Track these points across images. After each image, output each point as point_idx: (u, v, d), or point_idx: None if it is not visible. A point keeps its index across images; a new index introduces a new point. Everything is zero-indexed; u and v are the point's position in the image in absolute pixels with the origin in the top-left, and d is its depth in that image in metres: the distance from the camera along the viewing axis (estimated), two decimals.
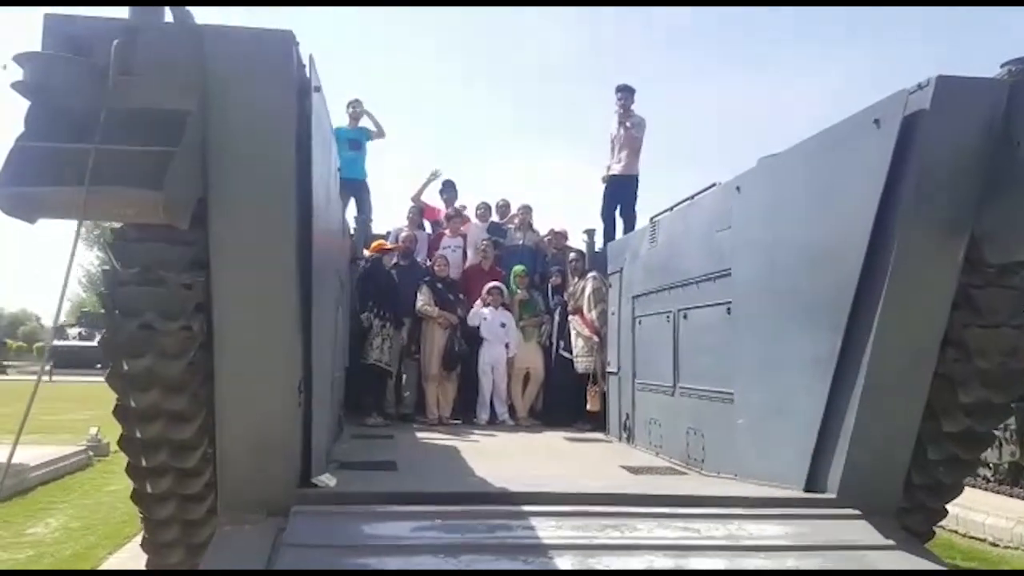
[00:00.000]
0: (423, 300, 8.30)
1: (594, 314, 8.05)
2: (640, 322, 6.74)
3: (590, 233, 8.81)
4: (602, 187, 9.30)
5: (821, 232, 4.00)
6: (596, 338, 7.96)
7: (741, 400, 4.76)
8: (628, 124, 8.97)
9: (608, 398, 7.73)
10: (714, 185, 5.45)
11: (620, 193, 9.10)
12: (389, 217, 9.88)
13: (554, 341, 8.65)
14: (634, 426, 6.83)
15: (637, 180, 9.23)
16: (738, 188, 4.87)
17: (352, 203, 9.80)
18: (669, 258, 6.09)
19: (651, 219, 6.64)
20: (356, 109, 9.93)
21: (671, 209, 6.27)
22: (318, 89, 3.46)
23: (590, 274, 8.28)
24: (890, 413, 3.75)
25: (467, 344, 8.37)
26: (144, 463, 3.40)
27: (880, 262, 3.57)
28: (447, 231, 9.32)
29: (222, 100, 3.01)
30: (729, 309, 4.98)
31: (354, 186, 9.78)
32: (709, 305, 5.30)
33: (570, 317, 8.41)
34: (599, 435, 7.69)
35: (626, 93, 9.04)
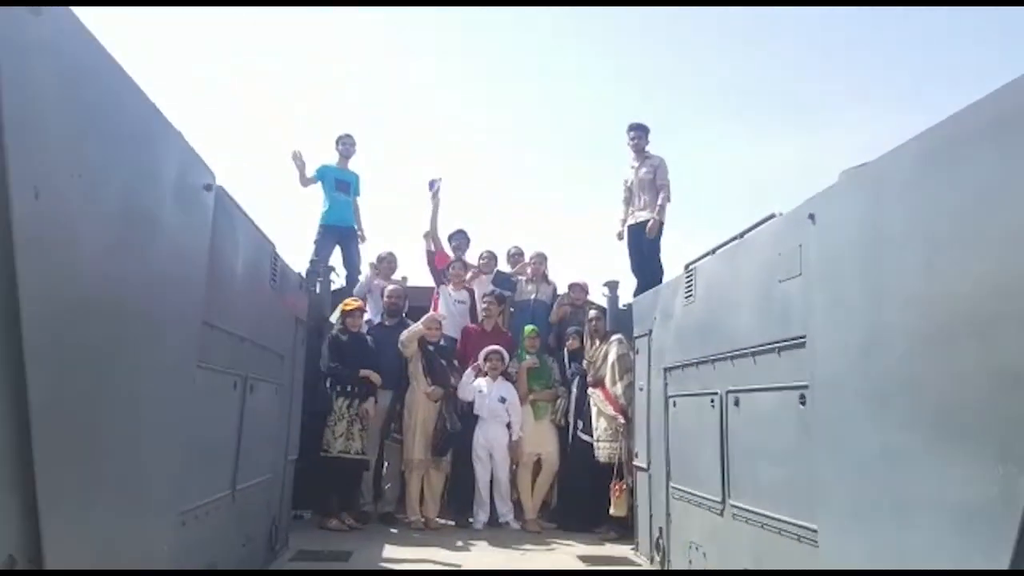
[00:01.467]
0: (407, 335, 6.77)
1: (619, 388, 6.36)
2: (674, 403, 5.02)
3: (612, 286, 7.14)
4: (617, 243, 7.91)
5: (971, 279, 2.32)
6: (622, 419, 6.25)
7: (831, 546, 3.01)
8: (644, 167, 7.56)
9: (636, 497, 5.97)
10: (773, 216, 3.81)
11: (644, 242, 7.54)
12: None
13: (571, 420, 6.96)
14: (669, 548, 5.05)
15: (661, 226, 7.66)
16: (812, 216, 3.23)
17: (337, 251, 8.39)
18: (712, 318, 4.43)
19: (686, 267, 5.00)
20: (347, 146, 8.58)
21: (713, 252, 4.63)
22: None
23: (614, 337, 6.62)
24: None
25: (462, 422, 6.74)
26: None
27: None
28: (450, 284, 7.78)
29: None
30: (804, 397, 3.29)
31: (339, 232, 8.40)
32: (772, 388, 3.61)
33: (590, 391, 6.73)
34: (626, 550, 5.91)
35: (639, 132, 7.74)
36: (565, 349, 7.38)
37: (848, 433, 2.92)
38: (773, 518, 3.53)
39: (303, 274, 5.70)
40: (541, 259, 8.03)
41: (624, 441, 6.24)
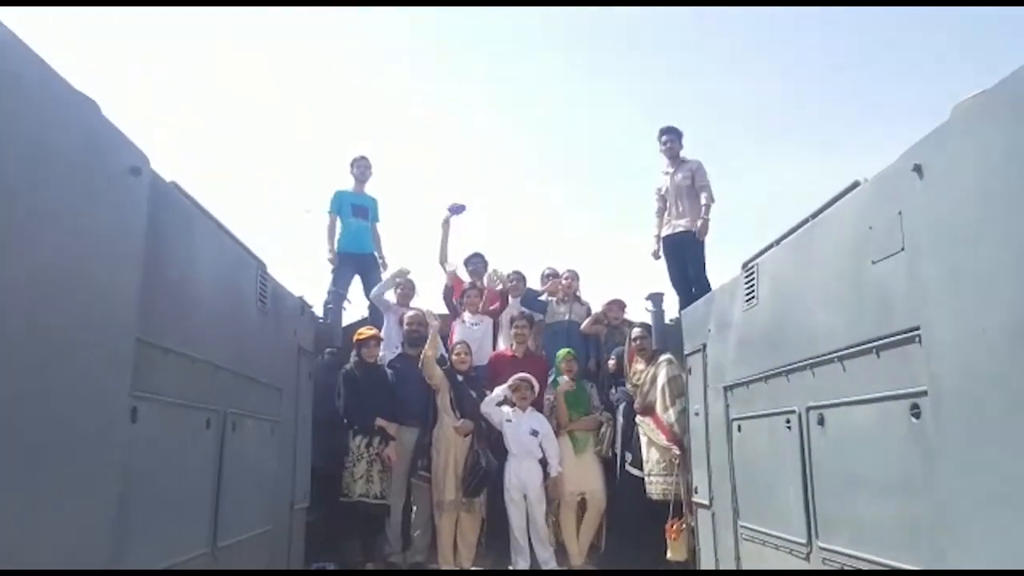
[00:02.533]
0: (430, 351, 6.11)
1: (672, 414, 5.60)
2: (739, 428, 4.25)
3: (656, 299, 6.39)
4: (652, 259, 7.18)
5: None
6: (676, 449, 5.48)
7: None
8: (681, 172, 6.91)
9: (698, 538, 5.16)
10: (857, 185, 3.09)
11: (685, 253, 6.85)
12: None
13: (618, 451, 6.19)
14: None
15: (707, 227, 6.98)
16: (918, 169, 2.50)
17: (357, 281, 7.82)
18: (781, 322, 3.69)
19: (744, 265, 4.28)
20: (362, 169, 8.05)
21: (777, 243, 3.90)
22: None
23: (663, 357, 5.88)
24: None
25: (497, 459, 6.02)
26: None
27: None
28: (466, 309, 7.13)
29: None
30: (918, 407, 2.54)
31: (358, 261, 7.81)
32: (870, 399, 2.86)
33: (639, 419, 5.97)
34: None
35: (672, 136, 7.07)
36: (604, 373, 6.64)
37: (988, 451, 2.17)
38: (881, 565, 2.74)
39: (303, 299, 5.08)
40: (573, 277, 7.33)
41: (681, 475, 5.46)
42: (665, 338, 6.01)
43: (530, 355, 6.75)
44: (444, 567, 5.87)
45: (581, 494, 6.20)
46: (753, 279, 4.02)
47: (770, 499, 3.80)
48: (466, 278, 7.54)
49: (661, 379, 5.77)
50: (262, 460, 3.85)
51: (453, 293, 7.61)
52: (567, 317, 7.10)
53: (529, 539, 6.06)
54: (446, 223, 7.51)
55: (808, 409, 3.34)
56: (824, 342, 3.19)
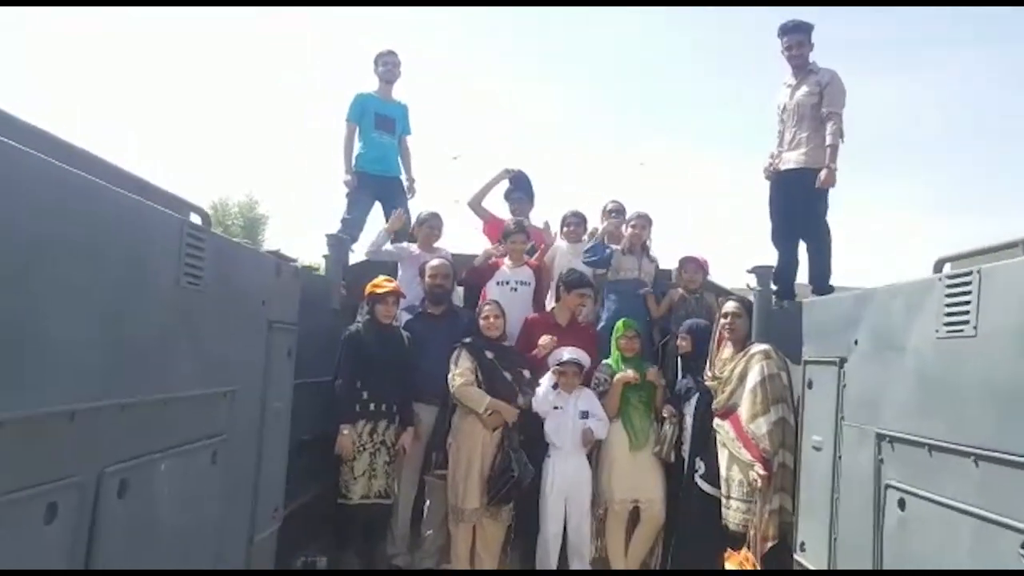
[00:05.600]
0: (462, 377, 4.73)
1: (762, 424, 4.22)
2: (902, 504, 2.84)
3: (762, 274, 4.84)
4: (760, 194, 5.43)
5: None
6: (761, 470, 4.12)
7: None
8: (806, 85, 5.02)
9: None
10: None
11: (796, 201, 5.04)
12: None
13: (686, 456, 4.87)
14: None
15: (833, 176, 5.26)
16: None
17: (378, 209, 6.39)
18: None
19: (939, 263, 2.76)
20: (389, 67, 6.46)
21: (1019, 244, 2.36)
22: None
23: (758, 348, 4.45)
24: None
25: (531, 461, 4.77)
26: None
27: None
28: (503, 258, 5.68)
29: None
30: None
31: (382, 184, 6.38)
32: None
33: (717, 422, 4.60)
34: None
35: (797, 36, 5.09)
36: (675, 353, 5.24)
37: None
38: None
39: (279, 254, 3.62)
40: (645, 223, 5.78)
41: (764, 502, 4.13)
42: (768, 326, 4.53)
43: (575, 325, 5.34)
44: None
45: (634, 502, 4.95)
46: (968, 294, 2.50)
47: None
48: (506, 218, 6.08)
49: (753, 377, 4.35)
50: (192, 505, 2.59)
51: (487, 231, 6.20)
52: (635, 274, 5.62)
53: (562, 550, 4.88)
54: (504, 173, 6.19)
55: None
56: None
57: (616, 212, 6.05)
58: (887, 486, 2.93)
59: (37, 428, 1.78)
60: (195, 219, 2.72)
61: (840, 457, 3.38)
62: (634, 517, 4.98)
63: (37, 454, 1.78)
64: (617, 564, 4.95)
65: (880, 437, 3.01)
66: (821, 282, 4.93)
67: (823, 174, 4.79)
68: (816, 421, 3.71)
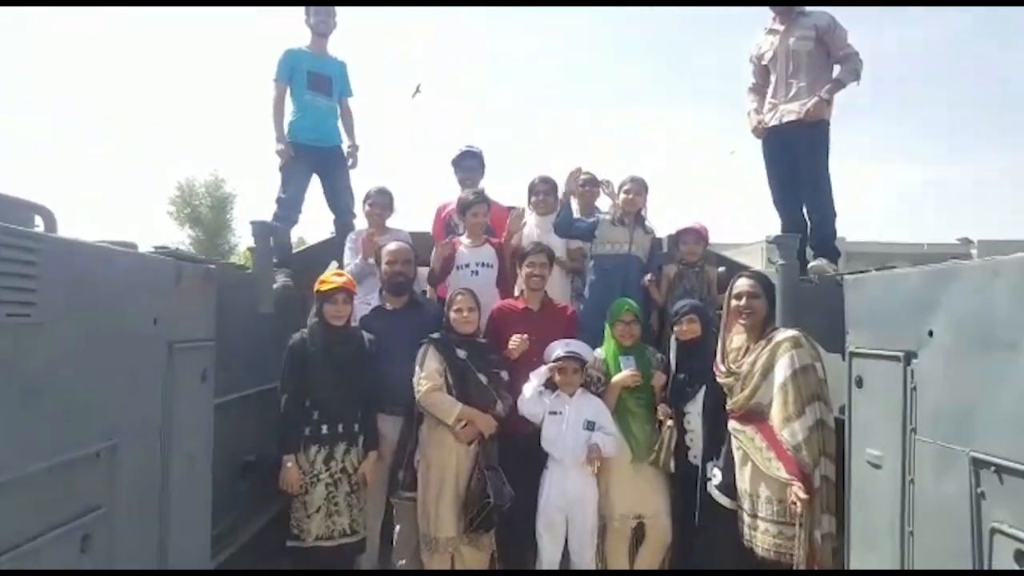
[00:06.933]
0: (429, 381, 3.93)
1: (799, 431, 3.48)
2: (1021, 555, 2.13)
3: (785, 245, 4.05)
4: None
5: None
6: (800, 491, 3.40)
7: None
8: (799, 30, 4.65)
9: None
10: None
11: (799, 155, 4.68)
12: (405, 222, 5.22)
13: (699, 464, 4.14)
14: None
15: (826, 129, 4.69)
16: None
17: (316, 184, 5.49)
18: None
19: None
20: (321, 19, 5.48)
21: None
22: None
23: (783, 333, 3.70)
24: None
25: (521, 475, 4.02)
26: None
27: None
28: (462, 237, 4.87)
29: None
30: None
31: (319, 156, 5.44)
32: None
33: (735, 426, 3.87)
34: None
35: None
36: (673, 336, 4.48)
37: None
38: None
39: (178, 253, 2.72)
40: (640, 188, 4.97)
41: (808, 526, 3.43)
42: (796, 303, 3.78)
43: (550, 308, 4.55)
44: None
45: (638, 518, 4.23)
46: None
47: None
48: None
49: (783, 371, 3.59)
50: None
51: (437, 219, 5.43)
52: (627, 248, 4.84)
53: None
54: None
55: None
56: None
57: (589, 183, 5.31)
58: (994, 531, 2.22)
59: None
60: (39, 223, 1.89)
61: (912, 481, 2.67)
62: (637, 535, 4.29)
63: None
64: None
65: (978, 464, 2.29)
66: (826, 245, 4.59)
67: (811, 102, 4.50)
68: (871, 430, 2.98)
